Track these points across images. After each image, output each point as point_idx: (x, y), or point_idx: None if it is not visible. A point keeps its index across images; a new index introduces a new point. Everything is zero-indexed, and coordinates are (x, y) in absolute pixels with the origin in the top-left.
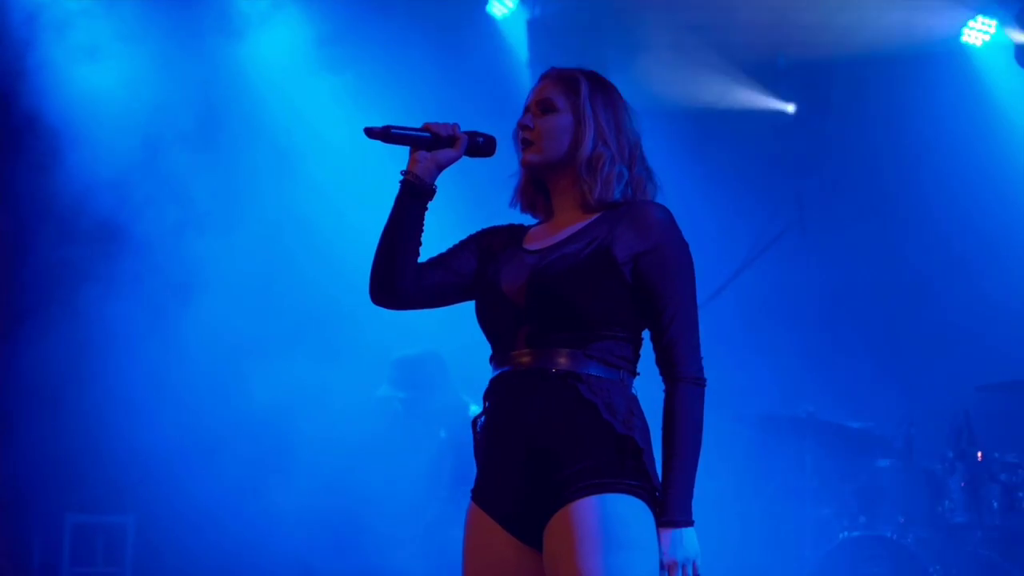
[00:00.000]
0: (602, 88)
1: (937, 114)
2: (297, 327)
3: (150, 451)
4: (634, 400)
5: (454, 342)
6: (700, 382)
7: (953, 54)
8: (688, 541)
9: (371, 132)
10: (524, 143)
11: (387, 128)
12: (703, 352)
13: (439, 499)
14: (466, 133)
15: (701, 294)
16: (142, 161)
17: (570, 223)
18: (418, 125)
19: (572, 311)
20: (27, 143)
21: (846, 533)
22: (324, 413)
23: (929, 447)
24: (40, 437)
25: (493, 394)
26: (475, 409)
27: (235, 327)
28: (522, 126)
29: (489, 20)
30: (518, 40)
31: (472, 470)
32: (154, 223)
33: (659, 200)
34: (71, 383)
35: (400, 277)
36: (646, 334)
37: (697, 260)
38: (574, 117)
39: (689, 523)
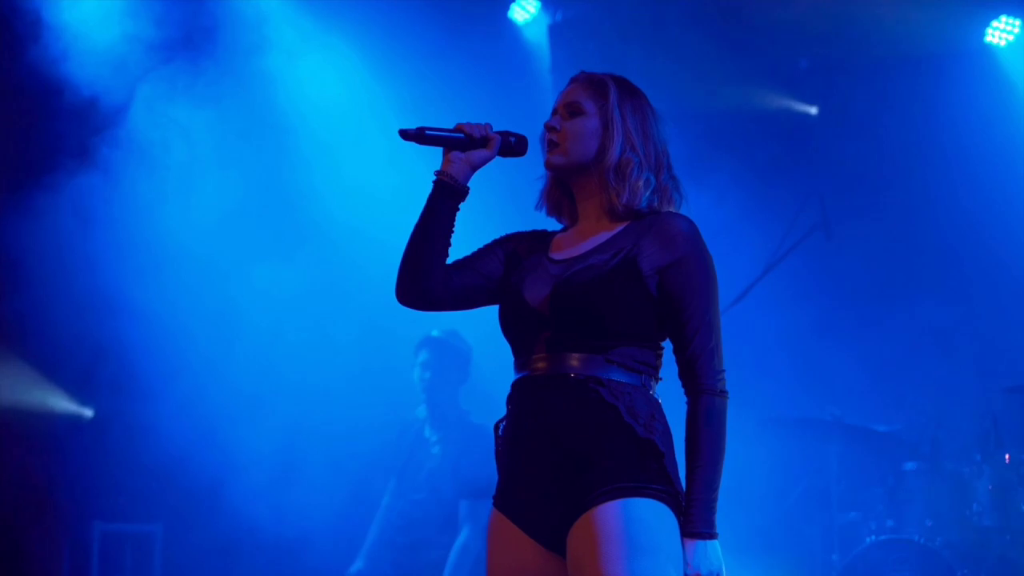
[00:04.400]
0: (631, 94)
1: (961, 115)
2: (325, 333)
3: (178, 460)
4: (656, 405)
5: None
6: (723, 394)
7: (977, 54)
8: (712, 553)
9: (406, 134)
10: (550, 144)
11: (421, 130)
12: (727, 357)
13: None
14: (499, 133)
15: (727, 297)
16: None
17: (595, 232)
18: (446, 128)
19: (595, 322)
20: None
21: (873, 537)
22: (353, 424)
23: (957, 450)
24: (69, 447)
25: (514, 398)
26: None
27: (262, 337)
28: (548, 127)
29: (511, 25)
30: (540, 45)
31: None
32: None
33: (684, 205)
34: (98, 393)
35: (428, 277)
36: (667, 342)
37: (722, 263)
38: (601, 122)
39: (713, 535)
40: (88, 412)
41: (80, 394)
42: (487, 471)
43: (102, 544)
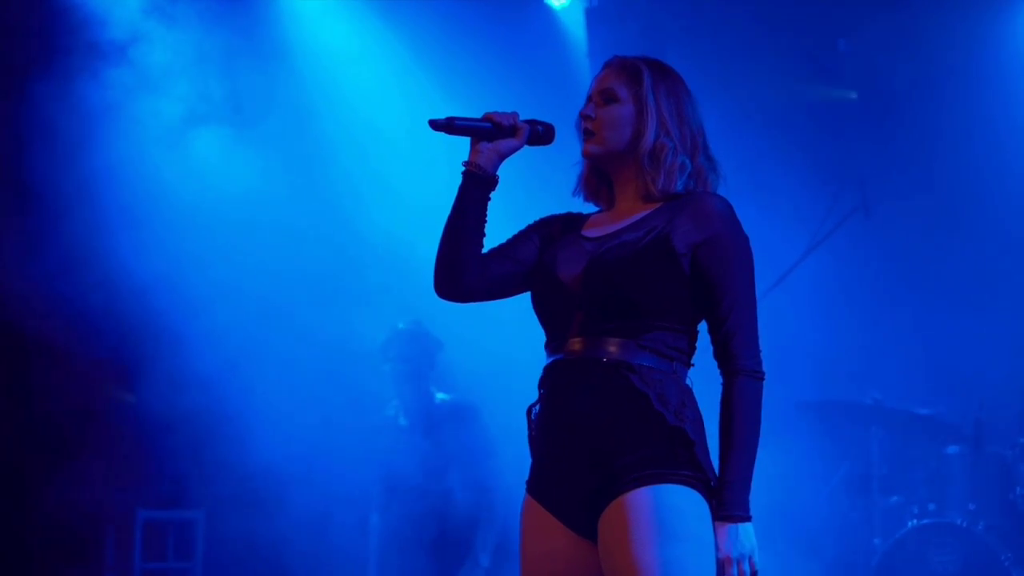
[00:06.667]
0: (665, 77)
1: (1003, 94)
2: (362, 322)
3: (219, 447)
4: (687, 392)
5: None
6: (758, 375)
7: (1019, 30)
8: (745, 536)
9: (435, 124)
10: (586, 133)
11: (451, 120)
12: (768, 339)
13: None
14: (526, 122)
15: (767, 280)
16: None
17: (630, 212)
18: (478, 116)
19: (628, 299)
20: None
21: (916, 521)
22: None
23: (999, 433)
24: (110, 436)
25: (547, 382)
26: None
27: (303, 321)
28: (584, 116)
29: (547, 10)
30: (577, 29)
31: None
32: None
33: (722, 188)
34: (139, 381)
35: (464, 269)
36: (702, 326)
37: (762, 246)
38: (636, 107)
39: (746, 518)
40: (130, 398)
41: (122, 381)
42: (479, 444)
43: (144, 531)
